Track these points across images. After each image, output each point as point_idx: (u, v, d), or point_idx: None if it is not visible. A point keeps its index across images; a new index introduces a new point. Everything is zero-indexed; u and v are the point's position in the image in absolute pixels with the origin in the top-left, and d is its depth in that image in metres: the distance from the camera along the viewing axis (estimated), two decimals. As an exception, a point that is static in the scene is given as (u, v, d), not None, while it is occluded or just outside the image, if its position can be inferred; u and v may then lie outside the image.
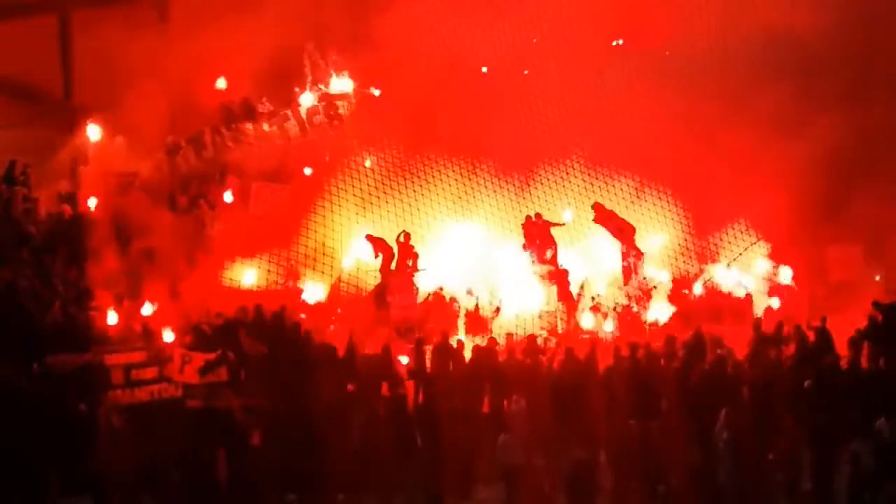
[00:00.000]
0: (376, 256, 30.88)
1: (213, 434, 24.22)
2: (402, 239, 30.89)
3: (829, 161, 30.86)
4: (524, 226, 31.39)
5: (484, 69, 33.56)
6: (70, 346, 25.27)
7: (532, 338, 27.52)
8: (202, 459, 23.85)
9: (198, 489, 23.61)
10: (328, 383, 25.51)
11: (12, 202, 30.44)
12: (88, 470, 23.23)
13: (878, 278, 30.25)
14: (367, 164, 32.48)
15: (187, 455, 23.84)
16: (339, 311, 29.92)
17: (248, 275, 30.64)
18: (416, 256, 30.76)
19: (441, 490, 24.00)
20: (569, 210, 32.13)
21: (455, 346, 27.12)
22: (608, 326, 29.56)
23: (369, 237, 31.15)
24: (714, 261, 31.36)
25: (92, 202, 31.48)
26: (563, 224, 31.68)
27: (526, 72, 33.58)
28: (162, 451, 23.71)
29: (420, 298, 30.25)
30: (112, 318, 26.78)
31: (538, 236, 30.99)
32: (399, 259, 30.75)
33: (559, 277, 30.65)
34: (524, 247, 31.14)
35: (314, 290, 30.80)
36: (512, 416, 24.84)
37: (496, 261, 31.33)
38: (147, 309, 27.92)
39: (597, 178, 32.34)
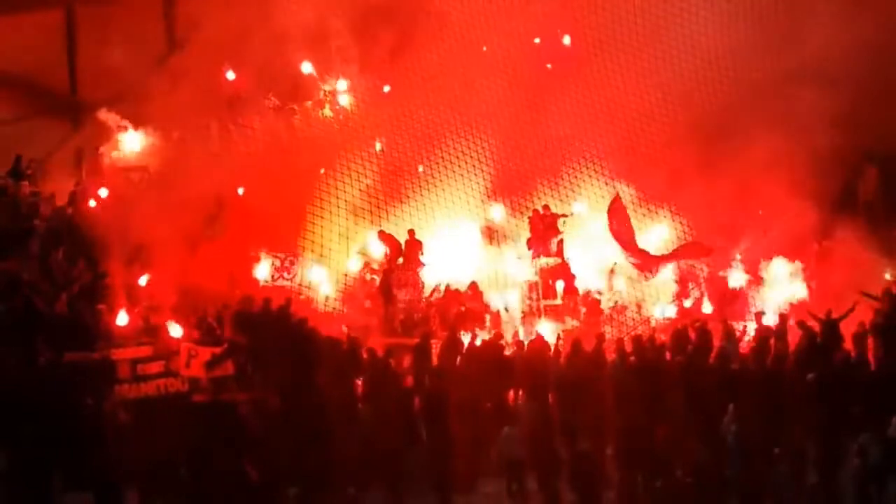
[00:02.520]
0: (385, 254, 30.91)
1: (219, 428, 24.14)
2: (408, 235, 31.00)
3: (838, 157, 30.98)
4: (531, 219, 31.38)
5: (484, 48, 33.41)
6: (76, 339, 25.25)
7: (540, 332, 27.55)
8: (208, 454, 23.74)
9: (203, 483, 23.50)
10: (334, 377, 25.51)
11: (18, 196, 30.43)
12: (93, 465, 23.16)
13: (888, 276, 30.17)
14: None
15: (193, 449, 23.74)
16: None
17: (256, 269, 30.64)
18: (421, 251, 30.80)
19: (447, 483, 23.97)
20: (579, 202, 32.12)
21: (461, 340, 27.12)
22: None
23: (381, 234, 31.17)
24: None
25: (99, 196, 31.47)
26: (572, 215, 31.64)
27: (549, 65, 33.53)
28: (168, 445, 23.61)
29: (426, 293, 30.32)
30: (123, 318, 26.73)
31: (545, 229, 30.99)
32: (406, 254, 30.78)
33: (565, 271, 30.66)
34: (529, 243, 31.11)
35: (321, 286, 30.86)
36: (519, 410, 24.89)
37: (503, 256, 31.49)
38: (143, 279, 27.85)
39: (602, 175, 32.32)
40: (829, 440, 23.58)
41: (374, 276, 30.75)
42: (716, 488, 23.31)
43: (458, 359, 26.35)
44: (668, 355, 25.99)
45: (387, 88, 33.13)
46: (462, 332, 27.54)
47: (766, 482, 23.19)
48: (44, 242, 29.23)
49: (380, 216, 31.82)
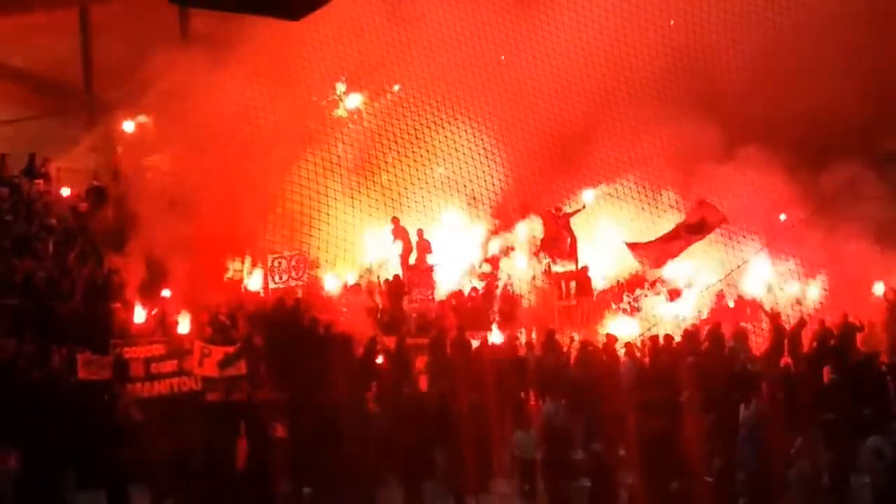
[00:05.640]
0: (395, 240, 30.94)
1: (232, 427, 24.10)
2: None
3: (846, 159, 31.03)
4: (544, 220, 31.39)
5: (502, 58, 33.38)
6: (89, 338, 25.25)
7: (551, 333, 27.50)
8: (221, 453, 23.72)
9: (216, 483, 23.48)
10: (347, 377, 25.51)
11: (33, 195, 30.45)
12: (106, 464, 23.15)
13: None
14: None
15: (206, 448, 23.73)
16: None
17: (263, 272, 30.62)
18: (430, 251, 30.86)
19: (461, 484, 23.94)
20: (589, 190, 32.10)
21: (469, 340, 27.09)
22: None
23: (396, 223, 31.17)
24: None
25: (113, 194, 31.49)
26: (583, 208, 31.63)
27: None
28: (180, 444, 23.58)
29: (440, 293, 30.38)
30: (140, 315, 26.70)
31: (558, 230, 30.98)
32: (418, 254, 30.82)
33: (580, 273, 30.66)
34: (543, 244, 31.10)
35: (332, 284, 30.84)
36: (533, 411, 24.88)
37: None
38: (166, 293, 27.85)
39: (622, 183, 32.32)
40: (842, 441, 23.51)
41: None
42: (729, 489, 23.26)
43: (471, 359, 26.35)
44: (679, 356, 26.02)
45: (397, 88, 33.18)
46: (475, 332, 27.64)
47: (779, 483, 23.14)
48: (58, 241, 29.23)
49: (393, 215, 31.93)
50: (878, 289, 29.31)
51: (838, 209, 30.69)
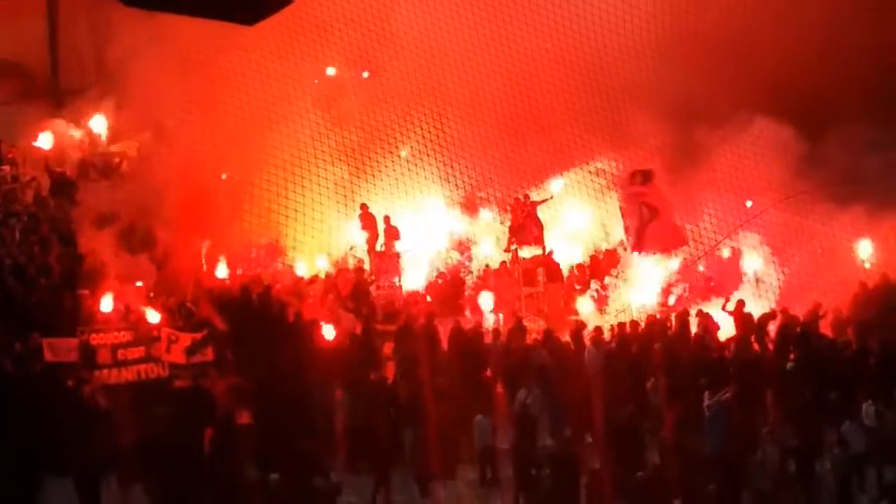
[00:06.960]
0: (363, 228, 30.91)
1: (199, 414, 24.04)
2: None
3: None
4: (512, 207, 31.41)
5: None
6: (56, 325, 25.12)
7: (519, 320, 27.50)
8: (188, 439, 23.65)
9: (184, 469, 23.41)
10: (314, 364, 25.48)
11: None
12: (72, 450, 23.05)
13: (867, 265, 30.30)
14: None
15: (174, 435, 23.65)
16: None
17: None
18: (398, 238, 30.83)
19: (427, 471, 23.95)
20: (559, 179, 32.10)
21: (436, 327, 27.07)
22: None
23: (364, 209, 31.11)
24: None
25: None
26: (552, 198, 31.68)
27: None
28: (148, 430, 23.50)
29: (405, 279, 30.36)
30: (107, 304, 26.58)
31: (525, 217, 31.01)
32: (385, 241, 30.80)
33: (548, 260, 30.69)
34: (510, 231, 31.11)
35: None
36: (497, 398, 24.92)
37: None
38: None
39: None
40: (808, 427, 23.60)
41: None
42: (696, 476, 23.31)
43: (438, 346, 26.34)
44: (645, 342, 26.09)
45: (366, 74, 33.09)
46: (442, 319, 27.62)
47: (746, 469, 23.20)
48: (25, 228, 29.05)
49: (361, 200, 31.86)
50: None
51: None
